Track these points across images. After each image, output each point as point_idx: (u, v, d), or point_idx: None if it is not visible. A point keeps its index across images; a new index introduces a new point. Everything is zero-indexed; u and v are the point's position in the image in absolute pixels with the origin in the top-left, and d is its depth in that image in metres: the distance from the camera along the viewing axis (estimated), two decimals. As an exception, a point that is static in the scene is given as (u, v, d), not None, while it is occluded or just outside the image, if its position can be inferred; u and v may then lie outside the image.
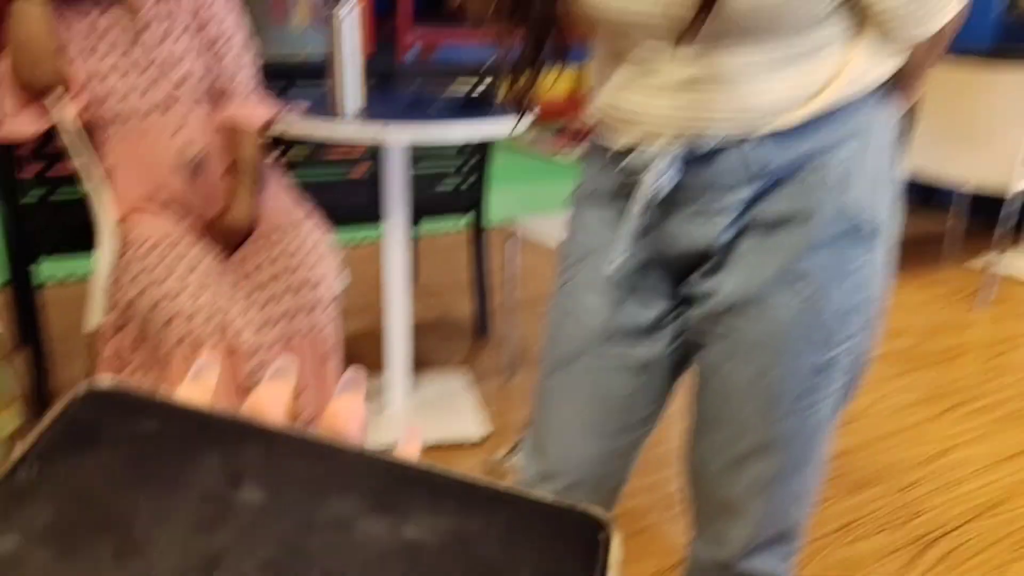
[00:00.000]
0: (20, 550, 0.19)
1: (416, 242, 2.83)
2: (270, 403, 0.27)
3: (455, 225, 3.14)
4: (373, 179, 2.43)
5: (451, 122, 1.77)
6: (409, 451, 0.27)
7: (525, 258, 2.50)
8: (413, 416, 2.03)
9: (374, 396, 2.06)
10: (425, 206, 2.35)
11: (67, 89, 1.63)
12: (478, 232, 2.48)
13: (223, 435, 0.23)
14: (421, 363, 2.30)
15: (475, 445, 1.97)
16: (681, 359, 0.96)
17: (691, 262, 0.88)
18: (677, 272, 0.91)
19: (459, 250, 3.04)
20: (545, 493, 0.20)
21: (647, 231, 0.89)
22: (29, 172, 1.96)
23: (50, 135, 1.74)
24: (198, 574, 0.19)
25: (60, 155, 1.80)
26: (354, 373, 0.29)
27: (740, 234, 0.84)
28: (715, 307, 0.86)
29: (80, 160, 1.68)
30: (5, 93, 1.61)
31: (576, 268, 0.96)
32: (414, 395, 2.12)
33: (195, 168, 1.72)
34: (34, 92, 1.61)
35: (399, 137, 1.69)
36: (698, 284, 0.88)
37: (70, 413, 0.23)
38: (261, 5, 3.65)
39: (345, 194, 2.39)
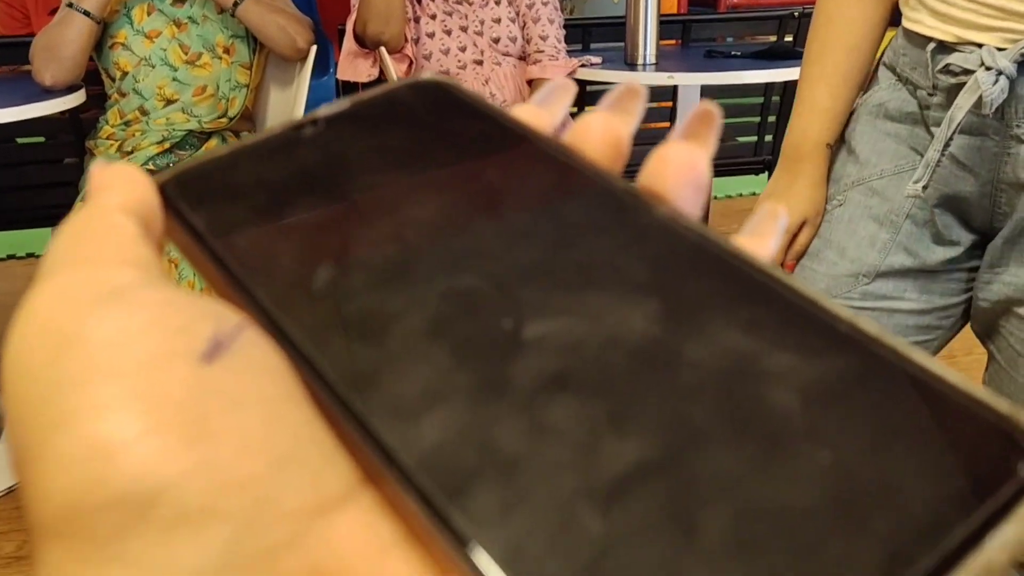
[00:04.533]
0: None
1: (708, 204, 2.78)
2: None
3: (750, 187, 3.03)
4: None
5: (744, 70, 1.77)
6: (759, 246, 0.20)
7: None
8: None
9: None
10: (719, 164, 2.32)
11: (401, 48, 1.84)
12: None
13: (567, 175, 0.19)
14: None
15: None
16: (962, 323, 0.85)
17: (1004, 206, 0.77)
18: (982, 223, 0.80)
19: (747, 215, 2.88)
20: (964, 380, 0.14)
21: (951, 162, 0.78)
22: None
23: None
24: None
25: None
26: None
27: None
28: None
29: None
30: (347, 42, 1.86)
31: (852, 192, 0.87)
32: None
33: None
34: (372, 45, 1.82)
35: (688, 79, 1.74)
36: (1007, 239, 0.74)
37: (391, 93, 0.22)
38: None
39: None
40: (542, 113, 0.22)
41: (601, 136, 0.20)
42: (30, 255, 2.56)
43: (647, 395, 0.14)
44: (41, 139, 2.05)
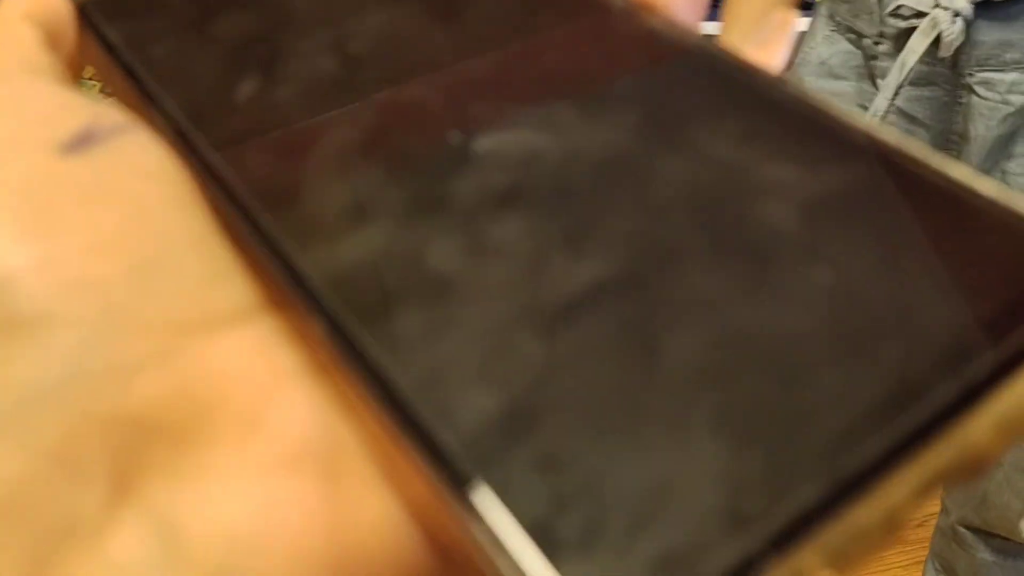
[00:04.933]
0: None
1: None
2: None
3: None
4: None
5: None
6: (765, 56, 0.19)
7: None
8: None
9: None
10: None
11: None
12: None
13: None
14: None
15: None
16: None
17: (953, 157, 0.73)
18: None
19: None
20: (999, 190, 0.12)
21: (900, 116, 0.75)
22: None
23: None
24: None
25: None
26: None
27: None
28: None
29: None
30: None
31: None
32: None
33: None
34: None
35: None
36: None
37: None
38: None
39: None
40: None
41: None
42: None
43: (613, 211, 0.13)
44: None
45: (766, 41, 0.18)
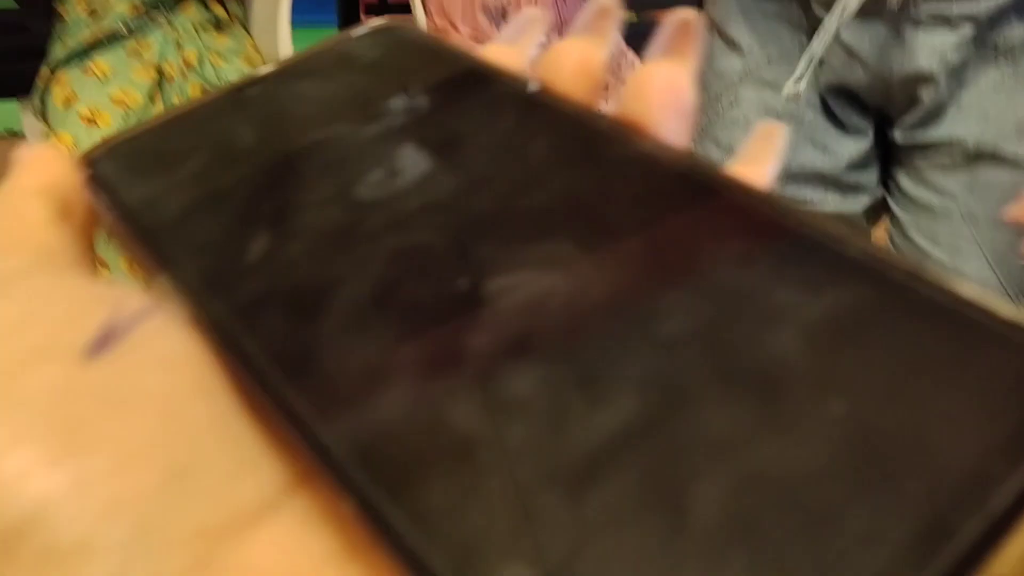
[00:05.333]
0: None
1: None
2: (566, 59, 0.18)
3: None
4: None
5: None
6: (755, 174, 0.18)
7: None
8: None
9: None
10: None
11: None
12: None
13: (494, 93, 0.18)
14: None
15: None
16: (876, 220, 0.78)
17: (899, 96, 0.70)
18: (877, 110, 0.73)
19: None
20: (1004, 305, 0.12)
21: (838, 47, 0.69)
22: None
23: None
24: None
25: None
26: None
27: (976, 60, 0.65)
28: (941, 159, 0.67)
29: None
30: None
31: (741, 88, 0.76)
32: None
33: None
34: None
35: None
36: (913, 128, 0.68)
37: (341, 43, 0.20)
38: None
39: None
40: (511, 51, 0.19)
41: (574, 66, 0.18)
42: (10, 132, 2.41)
43: (622, 350, 0.12)
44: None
45: (754, 156, 0.18)
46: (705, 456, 0.11)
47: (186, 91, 1.35)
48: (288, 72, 0.20)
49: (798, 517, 0.10)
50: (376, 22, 0.20)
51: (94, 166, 0.17)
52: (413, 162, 0.17)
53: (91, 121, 1.26)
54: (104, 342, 0.12)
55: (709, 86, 0.79)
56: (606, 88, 0.19)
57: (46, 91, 1.36)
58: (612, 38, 0.19)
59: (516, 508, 0.11)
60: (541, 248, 0.14)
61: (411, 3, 1.65)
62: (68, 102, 1.29)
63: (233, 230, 0.16)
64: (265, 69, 0.20)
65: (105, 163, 0.17)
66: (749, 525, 0.10)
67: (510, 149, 0.17)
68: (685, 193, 0.15)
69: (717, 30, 0.79)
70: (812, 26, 0.71)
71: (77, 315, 0.13)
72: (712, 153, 0.79)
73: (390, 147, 0.17)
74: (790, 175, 0.75)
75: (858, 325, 0.12)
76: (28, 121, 1.46)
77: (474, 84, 0.18)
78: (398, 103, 0.18)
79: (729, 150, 0.77)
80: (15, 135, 2.17)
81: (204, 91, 1.35)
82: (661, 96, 0.16)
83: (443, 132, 0.17)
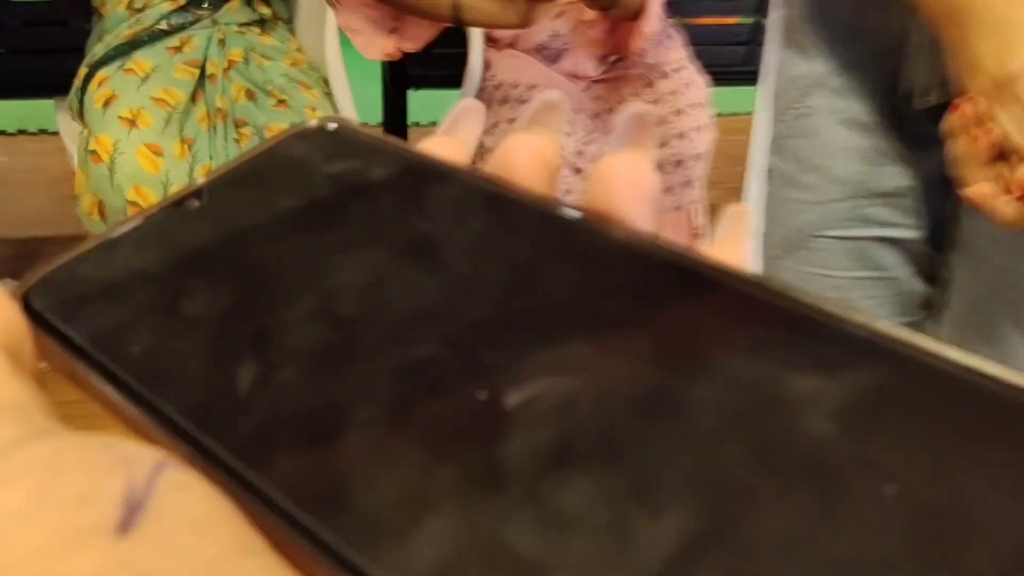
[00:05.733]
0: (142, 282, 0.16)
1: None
2: (522, 155, 0.18)
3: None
4: (755, 29, 2.16)
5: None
6: (732, 253, 0.18)
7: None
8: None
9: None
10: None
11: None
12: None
13: (450, 193, 0.17)
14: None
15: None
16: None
17: None
18: None
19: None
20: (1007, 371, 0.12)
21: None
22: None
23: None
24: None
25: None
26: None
27: None
28: None
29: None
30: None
31: (801, 104, 0.69)
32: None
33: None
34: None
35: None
36: None
37: (279, 147, 0.19)
38: None
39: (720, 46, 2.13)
40: (451, 142, 0.19)
41: (530, 158, 0.18)
42: (42, 131, 2.39)
43: (666, 456, 0.12)
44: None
45: (729, 237, 0.18)
46: (778, 555, 0.11)
47: (229, 91, 1.30)
48: (227, 181, 0.18)
49: None
50: (311, 122, 0.20)
51: (35, 301, 0.16)
52: (389, 269, 0.16)
53: (132, 122, 1.22)
54: (132, 514, 0.12)
55: (781, 95, 0.74)
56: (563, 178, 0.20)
57: (84, 90, 1.32)
58: (561, 131, 0.19)
59: None
60: (551, 351, 0.14)
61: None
62: (107, 102, 1.24)
63: (212, 360, 0.15)
64: (202, 181, 0.18)
65: (46, 297, 0.16)
66: None
67: (488, 248, 0.16)
68: (679, 282, 0.15)
69: (789, 37, 0.73)
70: (887, 33, 0.65)
71: (93, 486, 0.12)
72: (781, 164, 0.74)
73: (361, 255, 0.16)
74: (878, 193, 0.69)
75: (882, 404, 0.12)
76: (63, 121, 1.42)
77: (429, 180, 0.18)
78: (356, 207, 0.18)
79: (798, 160, 0.72)
80: (49, 134, 2.15)
81: (248, 92, 1.31)
82: (627, 185, 0.17)
83: (412, 235, 0.17)
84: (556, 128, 0.19)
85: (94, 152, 1.20)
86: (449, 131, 0.20)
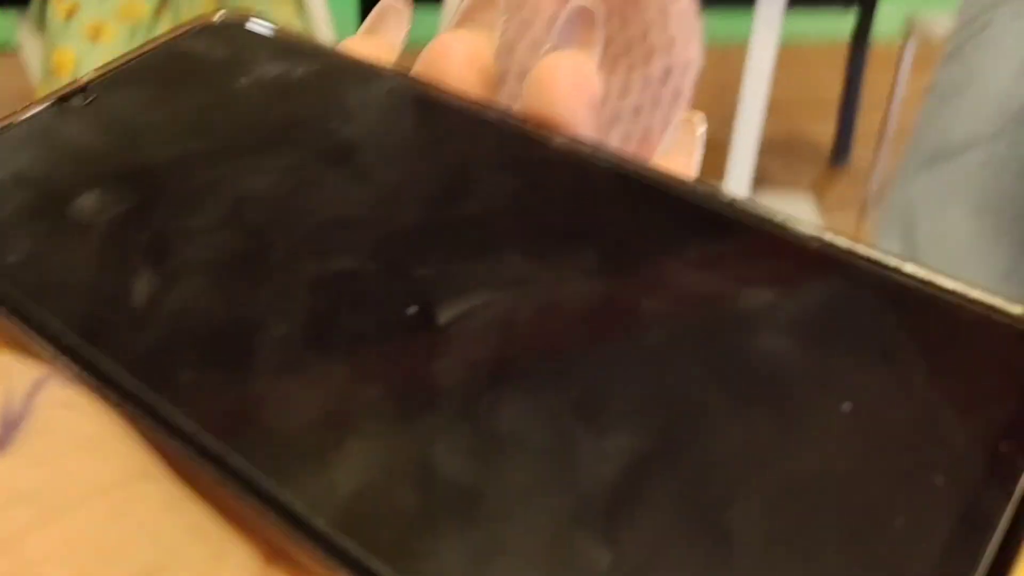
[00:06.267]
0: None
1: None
2: (457, 56, 0.16)
3: (832, 30, 2.76)
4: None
5: None
6: (680, 165, 0.17)
7: (915, 78, 2.10)
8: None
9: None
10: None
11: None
12: (860, 38, 2.09)
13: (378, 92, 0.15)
14: (763, 182, 2.07)
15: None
16: None
17: None
18: None
19: (823, 65, 2.68)
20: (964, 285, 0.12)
21: None
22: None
23: None
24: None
25: None
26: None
27: None
28: None
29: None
30: None
31: (984, 17, 0.66)
32: (752, 214, 1.94)
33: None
34: None
35: None
36: None
37: (178, 43, 0.17)
38: None
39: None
40: (378, 42, 0.18)
41: (463, 59, 0.16)
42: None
43: (615, 371, 0.11)
44: None
45: (674, 148, 0.17)
46: (734, 474, 0.10)
47: (196, 5, 1.24)
48: (118, 78, 0.17)
49: (839, 523, 0.10)
50: (217, 16, 0.17)
51: None
52: (307, 175, 0.15)
53: (95, 36, 1.16)
54: (7, 433, 0.11)
55: (965, 8, 0.71)
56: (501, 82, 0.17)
57: (45, 1, 1.26)
58: (498, 29, 0.18)
59: (544, 563, 0.09)
60: (487, 263, 0.13)
61: None
62: (70, 13, 1.18)
63: (103, 269, 0.13)
64: (88, 75, 0.16)
65: None
66: (794, 539, 0.10)
67: (416, 155, 0.15)
68: (623, 193, 0.14)
69: None
70: None
71: None
72: (958, 74, 0.70)
73: (273, 159, 0.15)
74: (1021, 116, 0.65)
75: (840, 319, 0.12)
76: (25, 35, 1.36)
77: (351, 81, 0.16)
78: (267, 108, 0.16)
79: (972, 74, 0.69)
80: (9, 49, 2.05)
81: (216, 7, 1.25)
82: (568, 89, 0.16)
83: (331, 139, 0.15)
84: (492, 25, 0.17)
85: (56, 67, 1.16)
86: (373, 30, 0.18)
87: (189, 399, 0.11)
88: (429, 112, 0.16)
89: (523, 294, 0.13)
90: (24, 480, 0.10)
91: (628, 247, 0.13)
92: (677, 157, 0.17)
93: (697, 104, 2.01)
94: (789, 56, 2.86)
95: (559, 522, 0.10)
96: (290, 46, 0.17)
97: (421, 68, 0.17)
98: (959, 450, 0.10)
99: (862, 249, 0.13)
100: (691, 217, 0.14)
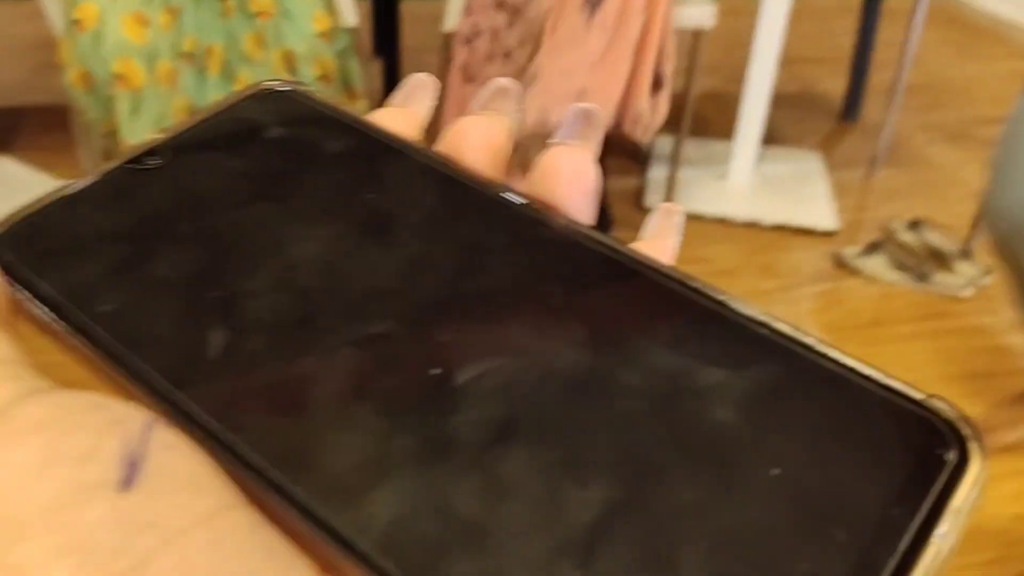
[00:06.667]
0: (97, 244, 0.17)
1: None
2: (475, 140, 0.19)
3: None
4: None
5: None
6: (660, 249, 0.18)
7: (927, 35, 2.06)
8: (756, 191, 1.90)
9: (717, 163, 1.90)
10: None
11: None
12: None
13: (393, 166, 0.18)
14: (772, 137, 2.06)
15: (821, 236, 1.75)
16: None
17: None
18: None
19: (836, 19, 2.62)
20: (875, 372, 0.15)
21: None
22: None
23: None
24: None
25: None
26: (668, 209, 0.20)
27: None
28: None
29: None
30: None
31: None
32: (760, 169, 1.95)
33: None
34: None
35: None
36: None
37: (235, 109, 0.20)
38: None
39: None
40: (403, 114, 0.20)
41: (479, 141, 0.19)
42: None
43: (594, 431, 0.14)
44: None
45: (656, 233, 0.19)
46: (684, 522, 0.13)
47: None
48: (183, 142, 0.19)
49: (760, 565, 0.13)
50: (267, 83, 0.20)
51: (2, 252, 0.16)
52: (345, 243, 0.17)
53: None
54: (132, 472, 0.13)
55: None
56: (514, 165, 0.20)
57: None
58: (514, 116, 0.20)
59: None
60: (495, 332, 0.16)
61: None
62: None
63: (181, 322, 0.16)
64: (160, 138, 0.19)
65: (13, 249, 0.16)
66: (727, 573, 0.12)
67: (437, 228, 0.18)
68: (610, 275, 0.17)
69: None
70: None
71: (93, 446, 0.13)
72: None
73: (317, 226, 0.17)
74: None
75: (778, 397, 0.15)
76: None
77: (382, 156, 0.19)
78: (310, 177, 0.18)
79: None
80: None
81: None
82: (568, 179, 0.18)
83: (365, 209, 0.18)
84: (507, 112, 0.19)
85: (78, 21, 1.15)
86: (402, 103, 0.20)
87: (256, 438, 0.14)
88: (448, 189, 0.18)
89: (523, 361, 0.15)
90: (147, 512, 0.12)
91: (610, 323, 0.16)
92: (658, 242, 0.19)
93: (709, 58, 1.99)
94: (802, 10, 2.81)
95: (547, 553, 0.13)
96: (329, 116, 0.20)
97: (442, 147, 0.19)
98: (859, 511, 0.13)
99: (800, 335, 0.15)
100: (664, 300, 0.16)
